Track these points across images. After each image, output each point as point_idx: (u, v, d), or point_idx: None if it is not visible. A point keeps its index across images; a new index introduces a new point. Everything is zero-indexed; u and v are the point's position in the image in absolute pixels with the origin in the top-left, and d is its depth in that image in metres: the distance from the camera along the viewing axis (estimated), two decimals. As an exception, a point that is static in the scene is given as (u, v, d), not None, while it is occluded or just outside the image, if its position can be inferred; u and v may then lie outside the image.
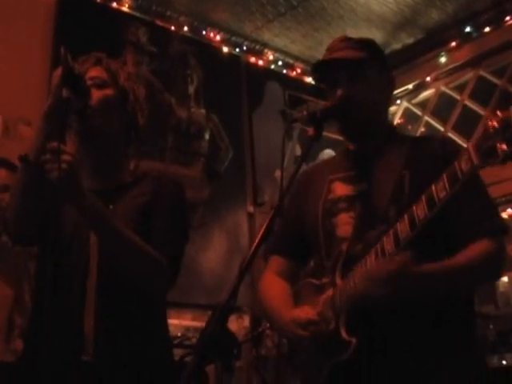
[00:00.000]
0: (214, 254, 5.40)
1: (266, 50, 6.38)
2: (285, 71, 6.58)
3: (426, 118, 6.55)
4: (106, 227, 2.00)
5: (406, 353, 1.86)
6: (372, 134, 2.13)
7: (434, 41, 6.31)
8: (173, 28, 5.78)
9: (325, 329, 1.92)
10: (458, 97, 6.34)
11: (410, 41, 6.41)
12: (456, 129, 6.24)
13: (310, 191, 2.20)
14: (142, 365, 2.04)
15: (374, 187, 2.02)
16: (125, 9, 5.50)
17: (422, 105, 6.64)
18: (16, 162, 2.07)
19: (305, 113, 1.95)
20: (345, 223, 2.02)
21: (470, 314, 2.01)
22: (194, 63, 5.78)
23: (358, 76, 2.10)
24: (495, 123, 1.53)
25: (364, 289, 1.81)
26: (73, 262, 2.05)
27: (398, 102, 6.69)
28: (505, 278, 5.41)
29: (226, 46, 6.11)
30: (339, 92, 2.08)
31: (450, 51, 6.29)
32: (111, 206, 2.10)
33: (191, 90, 5.69)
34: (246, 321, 5.12)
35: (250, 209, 5.82)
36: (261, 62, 6.38)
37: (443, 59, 6.34)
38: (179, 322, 4.65)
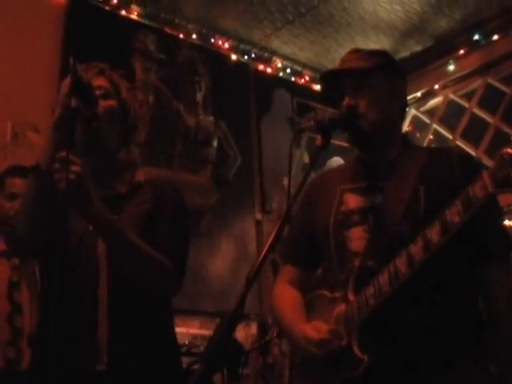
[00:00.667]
0: (221, 261, 5.40)
1: (274, 58, 6.39)
2: (293, 78, 6.59)
3: (435, 125, 6.55)
4: (114, 234, 2.02)
5: (418, 372, 1.86)
6: (382, 143, 2.12)
7: (442, 48, 6.31)
8: (181, 35, 5.79)
9: (337, 344, 1.92)
10: (466, 104, 6.33)
11: (419, 48, 6.41)
12: (464, 136, 6.24)
13: (321, 200, 2.19)
14: (151, 373, 2.05)
15: (387, 200, 2.01)
16: (134, 16, 5.52)
17: (431, 112, 6.64)
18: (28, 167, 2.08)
19: (312, 122, 1.95)
20: (358, 237, 2.01)
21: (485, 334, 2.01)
22: (202, 70, 5.79)
23: (364, 86, 2.10)
24: (511, 151, 1.55)
25: None
26: (82, 270, 2.06)
27: (407, 109, 6.68)
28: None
29: (234, 53, 6.13)
30: (345, 102, 2.09)
31: (458, 59, 6.29)
32: (115, 216, 2.11)
33: (199, 97, 5.70)
34: (254, 328, 5.12)
35: (258, 216, 5.82)
36: (269, 70, 6.38)
37: (451, 67, 6.34)
38: (187, 330, 4.65)
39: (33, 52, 4.79)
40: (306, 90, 6.60)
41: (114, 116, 2.17)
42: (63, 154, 1.86)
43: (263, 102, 6.26)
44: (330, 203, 2.13)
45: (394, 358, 1.85)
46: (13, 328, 3.17)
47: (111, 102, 2.18)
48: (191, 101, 5.60)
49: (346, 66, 2.15)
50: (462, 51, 6.23)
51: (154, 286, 2.12)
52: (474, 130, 6.16)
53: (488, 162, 5.95)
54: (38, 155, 2.04)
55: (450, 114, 6.47)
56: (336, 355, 1.91)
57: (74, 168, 1.87)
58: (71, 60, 1.98)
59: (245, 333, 5.03)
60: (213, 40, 6.00)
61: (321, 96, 2.34)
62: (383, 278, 1.84)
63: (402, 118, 2.27)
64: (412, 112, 6.72)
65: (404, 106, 2.26)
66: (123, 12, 5.47)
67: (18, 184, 3.26)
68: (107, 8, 5.39)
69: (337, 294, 2.01)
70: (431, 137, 6.55)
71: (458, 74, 6.33)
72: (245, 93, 6.17)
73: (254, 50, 6.23)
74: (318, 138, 1.94)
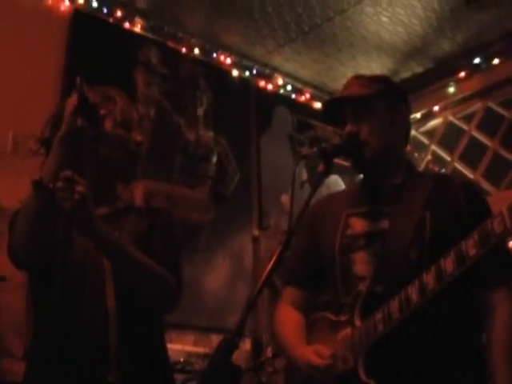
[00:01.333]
0: (217, 276, 5.39)
1: (275, 75, 6.40)
2: (293, 96, 6.59)
3: (433, 147, 6.57)
4: (117, 252, 2.05)
5: None
6: (386, 169, 2.14)
7: (443, 71, 6.33)
8: (184, 50, 5.79)
9: (342, 368, 1.92)
10: (465, 127, 6.35)
11: (420, 70, 6.43)
12: (463, 159, 6.26)
13: (325, 224, 2.21)
14: None
15: (395, 226, 2.02)
16: (137, 29, 5.53)
17: (430, 134, 6.65)
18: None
19: (316, 149, 1.97)
20: (363, 261, 2.03)
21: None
22: (203, 85, 5.79)
23: (365, 113, 2.12)
24: None
25: None
26: (89, 288, 2.08)
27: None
28: None
29: (236, 69, 6.13)
30: (347, 129, 2.11)
31: (458, 81, 6.31)
32: (116, 232, 2.14)
33: (200, 112, 5.70)
34: (248, 344, 5.11)
35: (255, 232, 5.81)
36: (270, 87, 6.39)
37: (452, 89, 6.36)
38: (182, 347, 4.64)
39: (36, 62, 4.80)
40: (306, 108, 6.60)
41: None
42: (68, 173, 1.88)
43: (263, 118, 6.27)
44: (335, 227, 2.14)
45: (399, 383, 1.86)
46: None
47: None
48: (192, 115, 5.61)
49: (347, 93, 2.17)
50: (462, 74, 6.26)
51: (157, 299, 2.16)
52: (473, 153, 6.18)
53: (486, 185, 5.97)
54: (40, 171, 2.06)
55: (448, 136, 6.49)
56: (340, 379, 1.92)
57: (79, 188, 1.88)
58: (78, 79, 2.00)
59: (239, 349, 5.02)
60: (215, 55, 6.00)
61: (321, 115, 2.36)
62: (393, 304, 1.85)
63: (406, 142, 2.28)
64: (411, 132, 6.72)
65: (407, 131, 2.28)
66: (127, 25, 5.48)
67: None
68: (111, 20, 5.40)
69: (342, 318, 2.02)
70: (429, 157, 6.57)
71: (458, 97, 6.35)
72: (245, 109, 6.18)
73: (256, 66, 6.25)
74: (321, 165, 1.95)
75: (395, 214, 2.04)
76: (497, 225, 1.65)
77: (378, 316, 1.87)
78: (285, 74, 6.44)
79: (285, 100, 6.51)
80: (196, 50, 5.87)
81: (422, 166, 6.48)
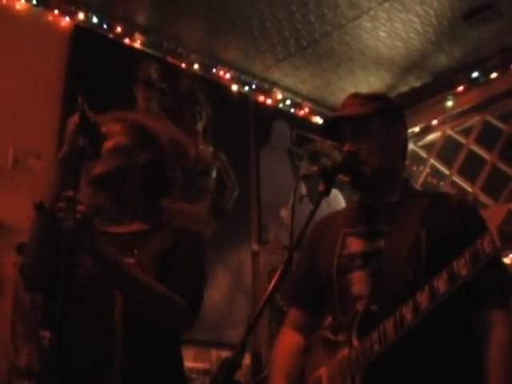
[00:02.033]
0: (217, 290, 5.38)
1: (274, 89, 6.43)
2: (292, 110, 6.63)
3: (432, 160, 6.59)
4: (119, 273, 2.03)
5: None
6: (384, 187, 2.15)
7: (441, 85, 6.37)
8: (183, 65, 5.83)
9: None
10: (463, 141, 6.38)
11: (418, 84, 6.46)
12: (461, 172, 6.28)
13: (324, 244, 2.21)
14: None
15: (390, 245, 2.02)
16: (137, 45, 5.56)
17: (428, 147, 6.68)
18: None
19: (316, 169, 1.98)
20: (360, 281, 2.03)
21: None
22: (203, 100, 5.82)
23: (364, 132, 2.13)
24: None
25: None
26: (98, 304, 2.07)
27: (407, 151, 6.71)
28: None
29: (235, 84, 6.16)
30: (346, 148, 2.12)
31: (456, 95, 6.35)
32: (136, 251, 2.14)
33: (200, 127, 5.73)
34: (247, 359, 5.11)
35: (255, 247, 5.82)
36: (269, 101, 6.42)
37: (450, 103, 6.40)
38: (182, 363, 4.64)
39: (36, 78, 4.82)
40: (305, 122, 6.64)
41: None
42: (70, 193, 1.89)
43: (262, 133, 6.29)
44: (332, 247, 2.15)
45: None
46: None
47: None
48: (192, 130, 5.62)
49: (345, 113, 2.19)
50: (460, 88, 6.29)
51: (165, 323, 2.11)
52: (471, 167, 6.20)
53: (484, 198, 5.99)
54: (41, 192, 2.07)
55: (447, 150, 6.52)
56: None
57: (80, 208, 1.89)
58: (79, 99, 2.01)
59: (239, 365, 5.01)
60: (214, 70, 6.04)
61: (320, 132, 2.37)
62: (389, 324, 1.85)
63: (403, 159, 2.29)
64: (410, 146, 6.76)
65: (404, 147, 2.29)
66: (127, 40, 5.52)
67: None
68: (111, 36, 5.43)
69: (340, 337, 2.02)
70: (428, 170, 6.59)
71: (457, 111, 6.39)
72: (244, 123, 6.20)
73: (255, 81, 6.28)
74: (321, 184, 1.97)
75: (391, 232, 2.05)
76: (486, 244, 1.66)
77: (375, 336, 1.88)
78: (284, 89, 6.47)
79: (284, 114, 6.54)
80: (195, 66, 5.90)
81: (420, 180, 6.51)
